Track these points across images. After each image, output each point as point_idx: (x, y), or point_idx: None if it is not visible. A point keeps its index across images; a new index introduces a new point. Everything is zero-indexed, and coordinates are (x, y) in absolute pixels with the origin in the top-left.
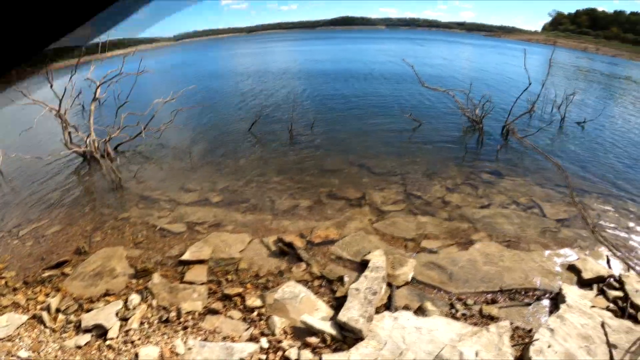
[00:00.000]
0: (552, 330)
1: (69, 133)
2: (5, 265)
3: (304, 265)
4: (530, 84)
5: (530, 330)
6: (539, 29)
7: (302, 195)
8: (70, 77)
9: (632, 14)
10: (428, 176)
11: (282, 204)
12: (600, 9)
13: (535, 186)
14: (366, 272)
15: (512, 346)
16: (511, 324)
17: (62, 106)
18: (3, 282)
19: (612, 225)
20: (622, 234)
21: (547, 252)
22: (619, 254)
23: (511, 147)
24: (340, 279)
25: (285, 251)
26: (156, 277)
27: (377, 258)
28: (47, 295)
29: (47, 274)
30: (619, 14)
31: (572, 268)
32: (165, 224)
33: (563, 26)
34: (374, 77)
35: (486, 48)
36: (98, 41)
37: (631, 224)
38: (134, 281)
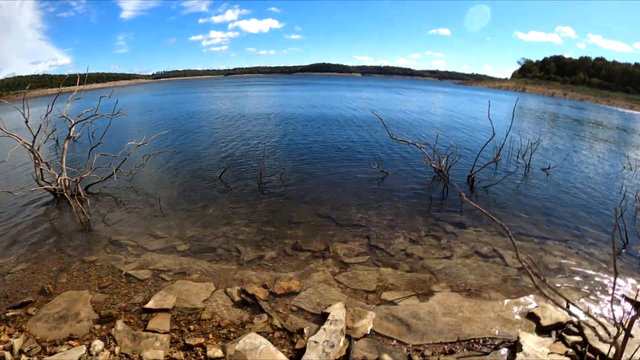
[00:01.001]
0: None
1: (41, 169)
2: None
3: (265, 317)
4: (494, 134)
5: None
6: (509, 76)
7: (268, 246)
8: (47, 114)
9: (597, 59)
10: (392, 228)
11: (248, 254)
12: (567, 55)
13: (497, 236)
14: (325, 325)
15: None
16: None
17: (36, 141)
18: None
19: (573, 269)
20: (581, 278)
21: (507, 301)
22: (564, 305)
23: (476, 197)
24: (300, 331)
25: (248, 302)
26: (120, 324)
27: (336, 311)
28: (10, 335)
29: (11, 313)
30: (584, 59)
31: (531, 315)
32: (131, 269)
33: (532, 73)
34: (346, 125)
35: (458, 96)
36: (77, 73)
37: (590, 269)
38: (97, 326)
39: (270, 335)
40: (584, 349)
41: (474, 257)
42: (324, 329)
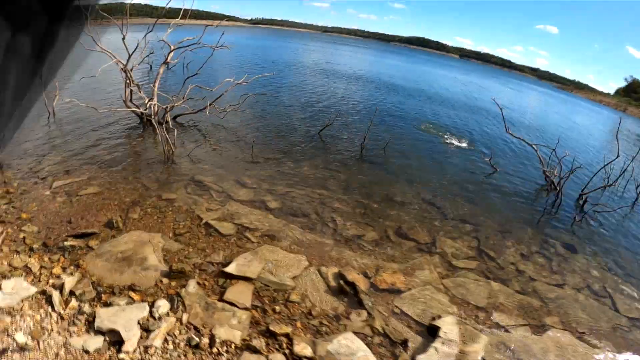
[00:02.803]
0: None
1: (131, 91)
2: (30, 217)
3: (365, 315)
4: (618, 155)
5: None
6: (611, 91)
7: (368, 225)
8: (145, 35)
9: None
10: (502, 235)
11: (346, 230)
12: None
13: (607, 272)
14: (436, 344)
15: None
16: None
17: (130, 62)
18: (22, 236)
19: None
20: None
21: (617, 355)
22: None
23: (587, 220)
24: (404, 343)
25: (345, 290)
26: (192, 285)
27: (448, 327)
28: (64, 269)
29: (70, 242)
30: None
31: None
32: (212, 219)
33: (637, 94)
34: (458, 108)
35: (566, 104)
36: (181, 7)
37: None
38: (165, 281)
39: (369, 339)
40: None
41: (585, 292)
42: (436, 349)
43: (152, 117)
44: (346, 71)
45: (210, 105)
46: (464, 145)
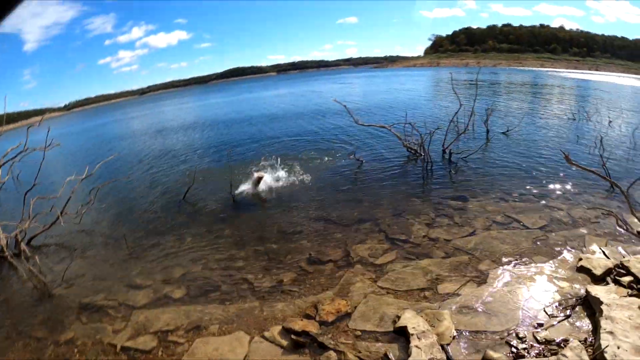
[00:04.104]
0: (611, 333)
1: None
2: None
3: (333, 355)
4: (461, 105)
5: (585, 340)
6: (421, 53)
7: (280, 268)
8: None
9: (504, 25)
10: (400, 216)
11: (263, 284)
12: (475, 26)
13: (499, 201)
14: (414, 342)
15: None
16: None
17: None
18: None
19: (578, 219)
20: (592, 225)
21: (551, 261)
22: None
23: (456, 169)
24: (385, 358)
25: (301, 342)
26: None
27: (413, 321)
28: None
29: None
30: (492, 27)
31: (582, 269)
32: (126, 340)
33: (443, 47)
34: (297, 120)
35: (387, 78)
36: None
37: (595, 214)
38: None
39: None
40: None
41: (494, 227)
42: (417, 347)
43: (4, 252)
44: (180, 125)
45: (61, 214)
46: (318, 152)
